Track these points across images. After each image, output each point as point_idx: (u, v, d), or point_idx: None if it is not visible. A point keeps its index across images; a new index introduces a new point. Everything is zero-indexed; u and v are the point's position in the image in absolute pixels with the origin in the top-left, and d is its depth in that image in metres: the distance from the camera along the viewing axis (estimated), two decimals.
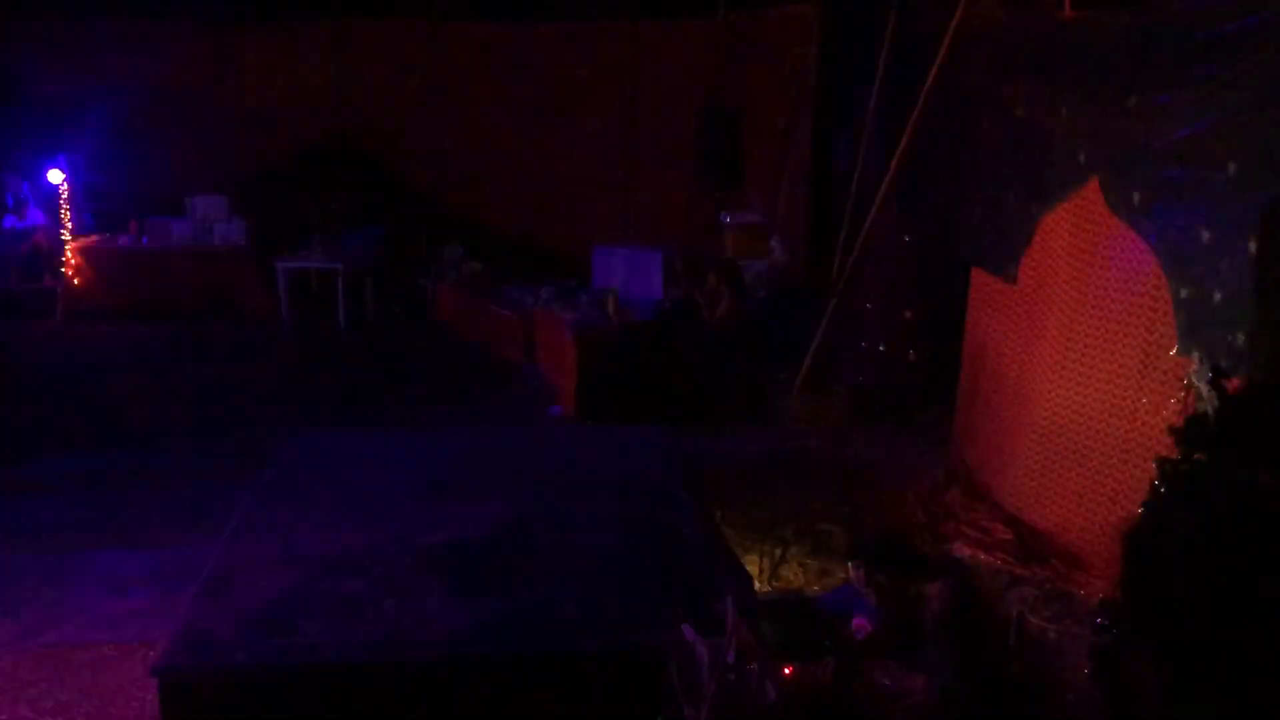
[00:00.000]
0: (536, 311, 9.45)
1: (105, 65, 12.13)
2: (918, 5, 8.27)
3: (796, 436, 7.87)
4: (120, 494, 6.87)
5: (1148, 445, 4.93)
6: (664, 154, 12.11)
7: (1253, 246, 4.26)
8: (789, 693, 3.34)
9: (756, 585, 5.28)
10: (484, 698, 4.21)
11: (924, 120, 7.48)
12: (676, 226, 11.80)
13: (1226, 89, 4.48)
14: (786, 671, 3.38)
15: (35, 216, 12.14)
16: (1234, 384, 3.87)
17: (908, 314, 7.88)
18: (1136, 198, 5.17)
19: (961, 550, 5.85)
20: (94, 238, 11.98)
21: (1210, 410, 3.79)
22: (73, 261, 11.64)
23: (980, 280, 7.11)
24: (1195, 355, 4.35)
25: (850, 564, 4.18)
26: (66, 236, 11.82)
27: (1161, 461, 3.70)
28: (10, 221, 12.10)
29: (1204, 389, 3.80)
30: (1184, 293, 4.79)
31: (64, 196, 11.90)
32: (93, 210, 12.22)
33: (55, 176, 11.85)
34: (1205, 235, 4.62)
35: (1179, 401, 4.47)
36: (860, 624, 4.08)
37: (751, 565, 5.52)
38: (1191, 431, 3.57)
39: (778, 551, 5.82)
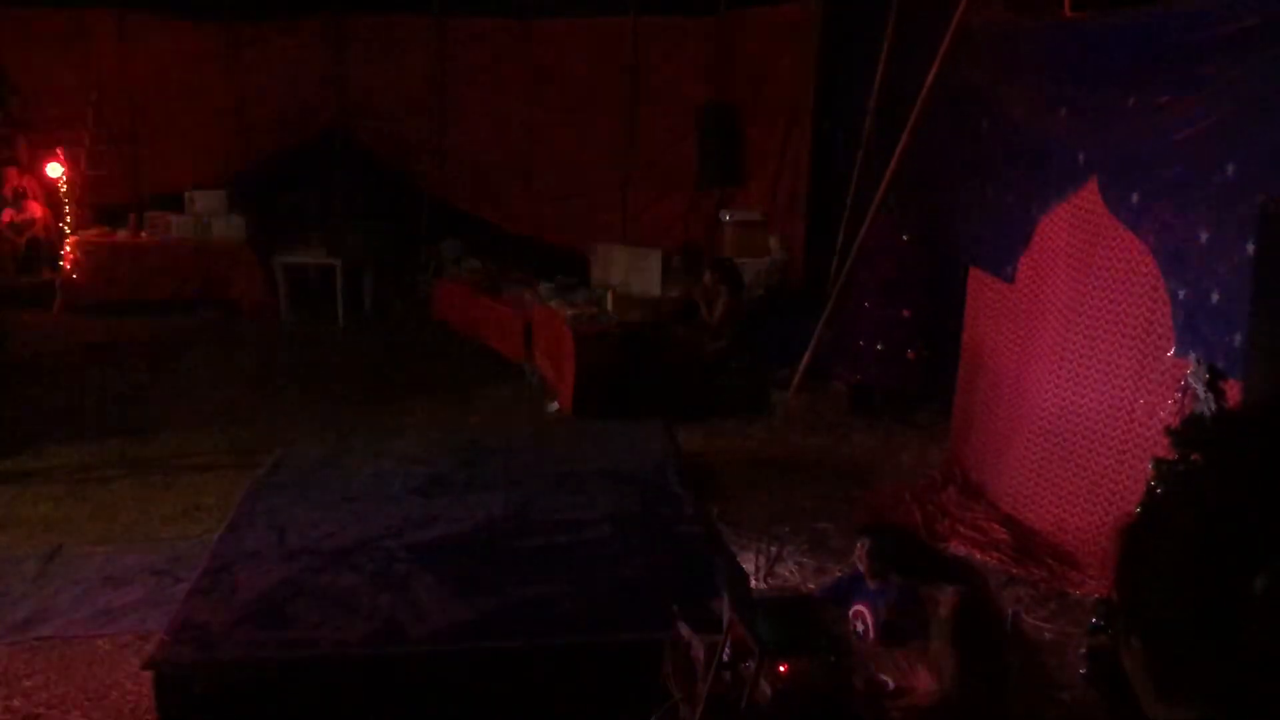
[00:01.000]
0: (535, 308, 9.44)
1: (104, 58, 12.11)
2: (917, 5, 8.27)
3: (793, 434, 7.88)
4: (116, 487, 6.87)
5: (1144, 446, 4.94)
6: (664, 151, 12.10)
7: (1250, 247, 4.27)
8: (785, 691, 3.34)
9: (753, 583, 5.28)
10: (478, 692, 4.21)
11: (923, 120, 7.49)
12: (676, 224, 11.79)
13: (1225, 91, 4.48)
14: (782, 669, 3.38)
15: (33, 210, 12.12)
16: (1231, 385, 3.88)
17: (906, 313, 7.89)
18: (1135, 198, 5.17)
19: (957, 549, 5.86)
20: (92, 231, 11.97)
21: (1207, 411, 3.80)
22: (71, 255, 11.63)
23: (978, 280, 7.11)
24: (1193, 356, 4.36)
25: (858, 542, 4.16)
26: (65, 230, 11.81)
27: (1158, 462, 3.71)
28: (9, 214, 12.08)
29: (1201, 390, 3.81)
30: (1182, 293, 4.80)
31: (63, 190, 11.90)
32: (91, 204, 12.21)
33: (54, 170, 11.84)
34: (1203, 236, 4.63)
35: (1176, 402, 4.47)
36: (859, 610, 4.08)
37: (748, 563, 5.51)
38: (1188, 432, 3.57)
39: (774, 549, 5.82)
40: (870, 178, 8.48)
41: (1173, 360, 4.87)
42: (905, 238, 7.89)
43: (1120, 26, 5.51)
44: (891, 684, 3.69)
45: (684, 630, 3.70)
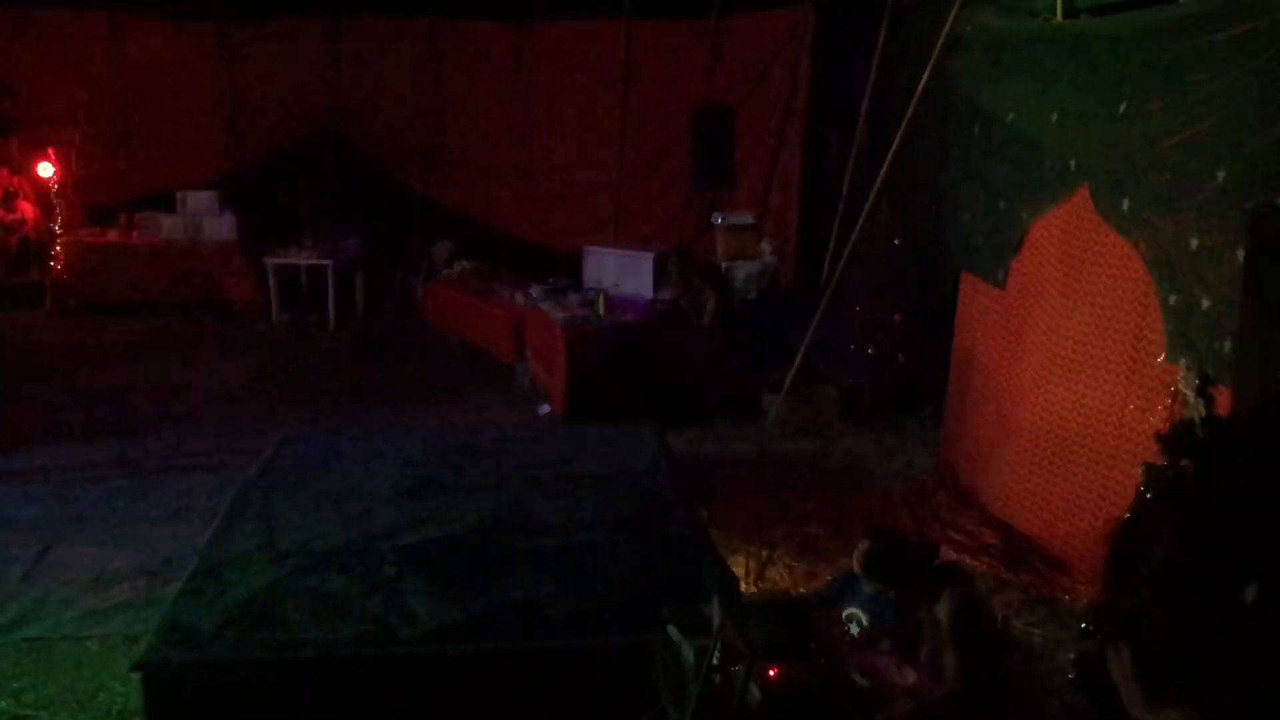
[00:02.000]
0: (527, 310, 9.43)
1: (96, 57, 12.09)
2: (910, 9, 8.29)
3: (785, 438, 7.89)
4: (106, 487, 6.85)
5: (1134, 451, 4.95)
6: (656, 154, 12.10)
7: (1240, 254, 4.28)
8: (774, 694, 3.34)
9: (743, 586, 5.28)
10: (467, 695, 4.20)
11: (915, 124, 7.50)
12: (668, 227, 11.79)
13: (1216, 97, 4.49)
14: (772, 673, 3.38)
15: (24, 209, 12.09)
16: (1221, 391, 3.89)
17: (897, 317, 7.90)
18: (1126, 204, 5.19)
19: (947, 554, 5.86)
20: (83, 232, 11.95)
21: (1197, 417, 3.80)
22: (62, 255, 11.60)
23: (970, 284, 7.13)
24: (1183, 362, 4.36)
25: (858, 544, 4.16)
26: (56, 230, 11.79)
27: (1148, 468, 3.71)
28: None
29: (1191, 395, 3.81)
30: (1172, 299, 4.81)
31: (54, 190, 11.87)
32: (82, 204, 12.19)
33: (45, 170, 11.81)
34: (1194, 242, 4.64)
35: (1166, 408, 4.49)
36: (853, 614, 4.08)
37: (738, 566, 5.51)
38: (1178, 438, 3.58)
39: (765, 552, 5.82)
40: (862, 181, 8.50)
41: (1163, 366, 4.88)
42: (897, 242, 7.90)
43: (1111, 33, 5.52)
44: (883, 687, 3.69)
45: (674, 633, 3.70)
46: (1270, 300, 4.12)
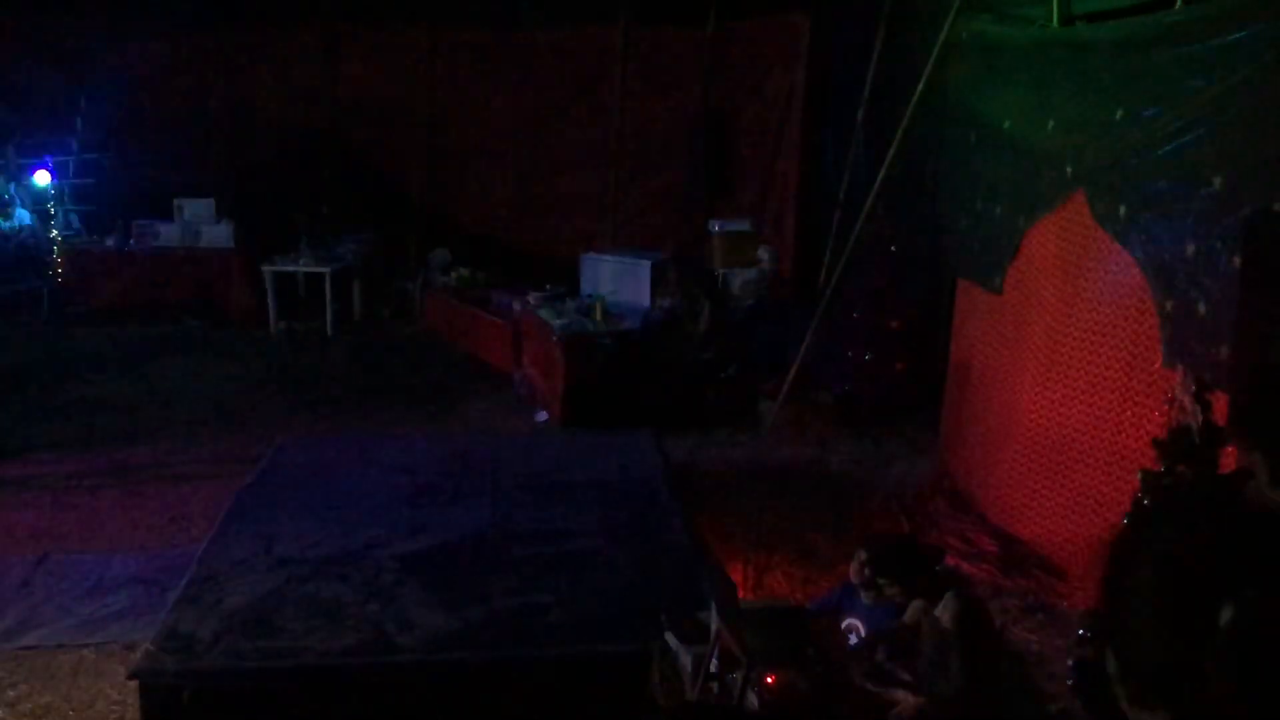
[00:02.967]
0: (524, 318, 9.43)
1: (93, 66, 12.08)
2: (906, 17, 8.30)
3: (782, 445, 7.88)
4: (103, 495, 6.84)
5: (1131, 458, 4.95)
6: (654, 161, 12.12)
7: (1237, 260, 4.28)
8: (771, 701, 3.33)
9: (741, 593, 5.27)
10: (465, 702, 4.20)
11: (912, 131, 7.51)
12: (666, 234, 11.80)
13: (1213, 103, 4.50)
14: (769, 680, 3.38)
15: (22, 218, 12.08)
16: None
17: (894, 324, 7.91)
18: (1122, 210, 5.19)
19: (946, 561, 5.86)
20: (81, 239, 11.94)
21: (1194, 424, 3.81)
22: (59, 263, 11.59)
23: (966, 291, 7.13)
24: (1179, 368, 4.37)
25: (857, 553, 4.16)
26: (54, 238, 11.78)
27: (1145, 474, 3.71)
28: None
29: (1188, 402, 3.81)
30: (1169, 305, 4.81)
31: (51, 198, 11.86)
32: (80, 212, 12.18)
33: (42, 178, 11.81)
34: (1190, 248, 4.64)
35: (1163, 414, 4.48)
36: (852, 624, 4.08)
37: (736, 573, 5.51)
38: (1175, 444, 3.58)
39: (762, 560, 5.81)
40: (859, 188, 8.51)
41: (1160, 372, 4.88)
42: (894, 249, 7.91)
43: (1107, 40, 5.53)
44: (878, 695, 3.69)
45: (671, 640, 3.69)
46: (1267, 306, 4.12)
